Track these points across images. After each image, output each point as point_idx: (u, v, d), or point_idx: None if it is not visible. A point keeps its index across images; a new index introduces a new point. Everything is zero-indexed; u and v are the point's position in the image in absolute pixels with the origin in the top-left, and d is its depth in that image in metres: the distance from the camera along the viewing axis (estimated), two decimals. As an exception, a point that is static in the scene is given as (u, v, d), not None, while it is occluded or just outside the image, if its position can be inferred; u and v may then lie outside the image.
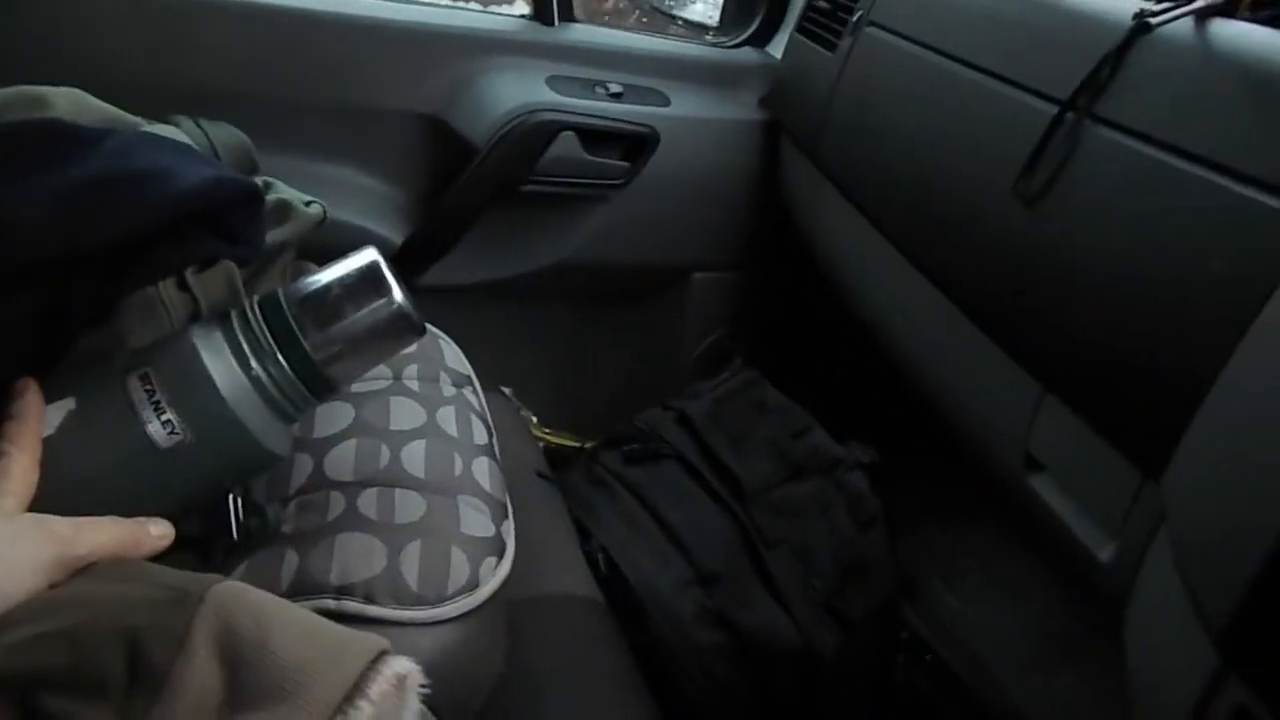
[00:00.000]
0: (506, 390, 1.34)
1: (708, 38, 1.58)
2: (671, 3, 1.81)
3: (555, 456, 1.33)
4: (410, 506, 0.73)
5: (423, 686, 0.49)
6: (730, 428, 1.07)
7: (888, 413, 1.26)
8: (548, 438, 1.46)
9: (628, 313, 1.54)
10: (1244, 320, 0.64)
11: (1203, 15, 0.79)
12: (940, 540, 1.43)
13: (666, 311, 1.53)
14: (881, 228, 1.15)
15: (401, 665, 0.48)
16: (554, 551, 0.93)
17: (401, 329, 0.65)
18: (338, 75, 1.26)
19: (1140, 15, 0.81)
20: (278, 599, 0.49)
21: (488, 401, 0.98)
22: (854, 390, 1.32)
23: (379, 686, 0.47)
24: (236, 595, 0.48)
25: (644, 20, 1.93)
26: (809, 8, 1.38)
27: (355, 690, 0.46)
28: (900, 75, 1.12)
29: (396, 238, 1.31)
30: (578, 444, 1.34)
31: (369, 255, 0.65)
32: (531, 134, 1.27)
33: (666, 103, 1.39)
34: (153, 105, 0.97)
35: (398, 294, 0.64)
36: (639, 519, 0.98)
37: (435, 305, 0.94)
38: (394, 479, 0.75)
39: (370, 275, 0.64)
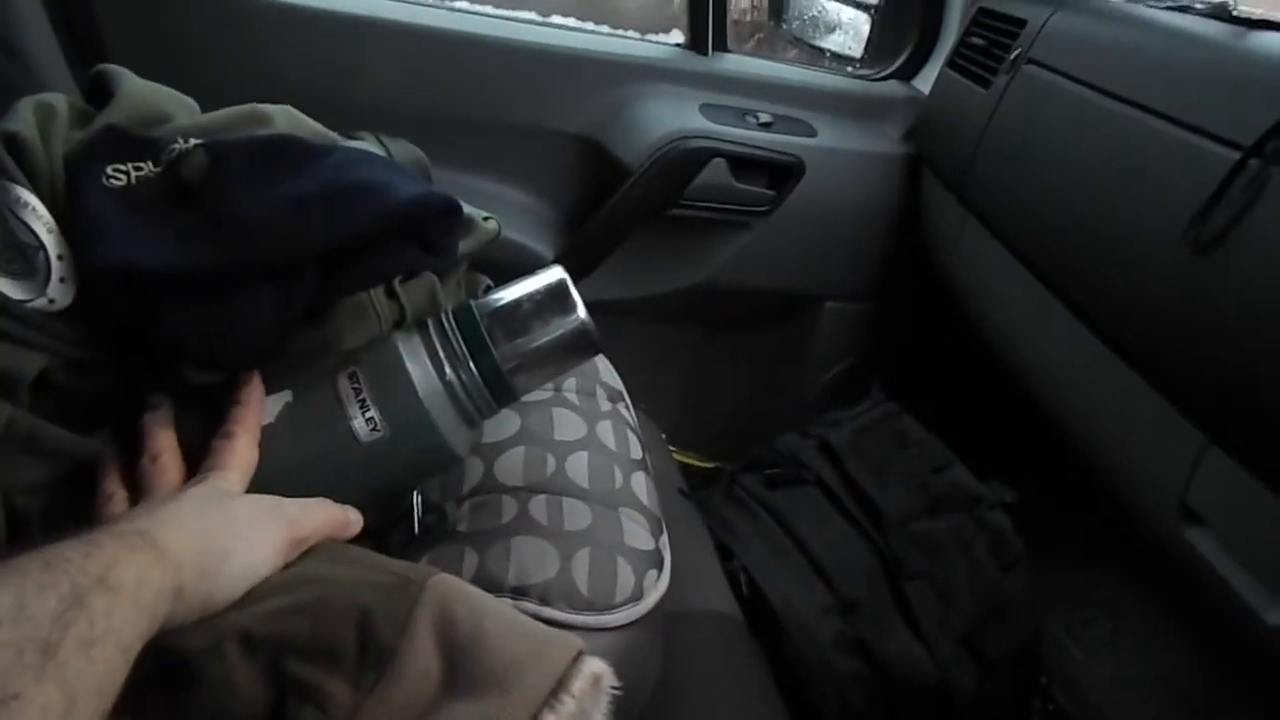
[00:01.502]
0: (642, 407, 1.37)
1: (854, 70, 1.59)
2: (814, 33, 1.83)
3: (684, 475, 1.35)
4: (577, 515, 0.75)
5: (614, 687, 0.51)
6: (871, 457, 1.08)
7: (1022, 452, 1.24)
8: (677, 457, 1.49)
9: (759, 337, 1.56)
10: None
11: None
12: (1066, 586, 1.39)
13: (797, 338, 1.54)
14: (1033, 268, 1.14)
15: (598, 665, 0.51)
16: (698, 569, 0.95)
17: (582, 345, 0.69)
18: (499, 95, 1.32)
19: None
20: (488, 595, 0.53)
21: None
22: (988, 427, 1.30)
23: (580, 684, 0.49)
24: (454, 587, 0.51)
25: (792, 53, 1.95)
26: (962, 43, 1.38)
27: (560, 685, 0.49)
28: (1061, 115, 1.11)
29: (548, 253, 1.36)
30: (705, 465, 1.36)
31: (557, 274, 0.69)
32: (683, 159, 1.30)
33: (813, 133, 1.41)
34: (328, 122, 1.04)
35: (582, 311, 0.67)
36: (780, 542, 0.99)
37: None
38: (561, 487, 0.78)
39: (558, 293, 0.68)
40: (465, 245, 0.89)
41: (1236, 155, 0.85)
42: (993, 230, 1.24)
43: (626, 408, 0.99)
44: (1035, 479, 1.23)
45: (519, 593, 0.67)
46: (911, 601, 0.94)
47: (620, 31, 1.47)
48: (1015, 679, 0.99)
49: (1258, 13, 0.94)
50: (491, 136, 1.33)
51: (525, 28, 1.34)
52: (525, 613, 0.66)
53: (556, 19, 1.42)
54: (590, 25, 1.44)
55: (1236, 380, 0.84)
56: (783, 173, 1.37)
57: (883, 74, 1.56)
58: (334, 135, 0.90)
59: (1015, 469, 1.28)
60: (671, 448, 1.51)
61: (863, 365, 1.55)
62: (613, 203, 1.32)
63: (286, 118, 0.82)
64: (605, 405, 0.95)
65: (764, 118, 1.38)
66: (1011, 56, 1.23)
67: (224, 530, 0.49)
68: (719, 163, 1.32)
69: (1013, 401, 1.23)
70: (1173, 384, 0.92)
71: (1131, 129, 0.99)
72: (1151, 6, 1.11)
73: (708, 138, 1.32)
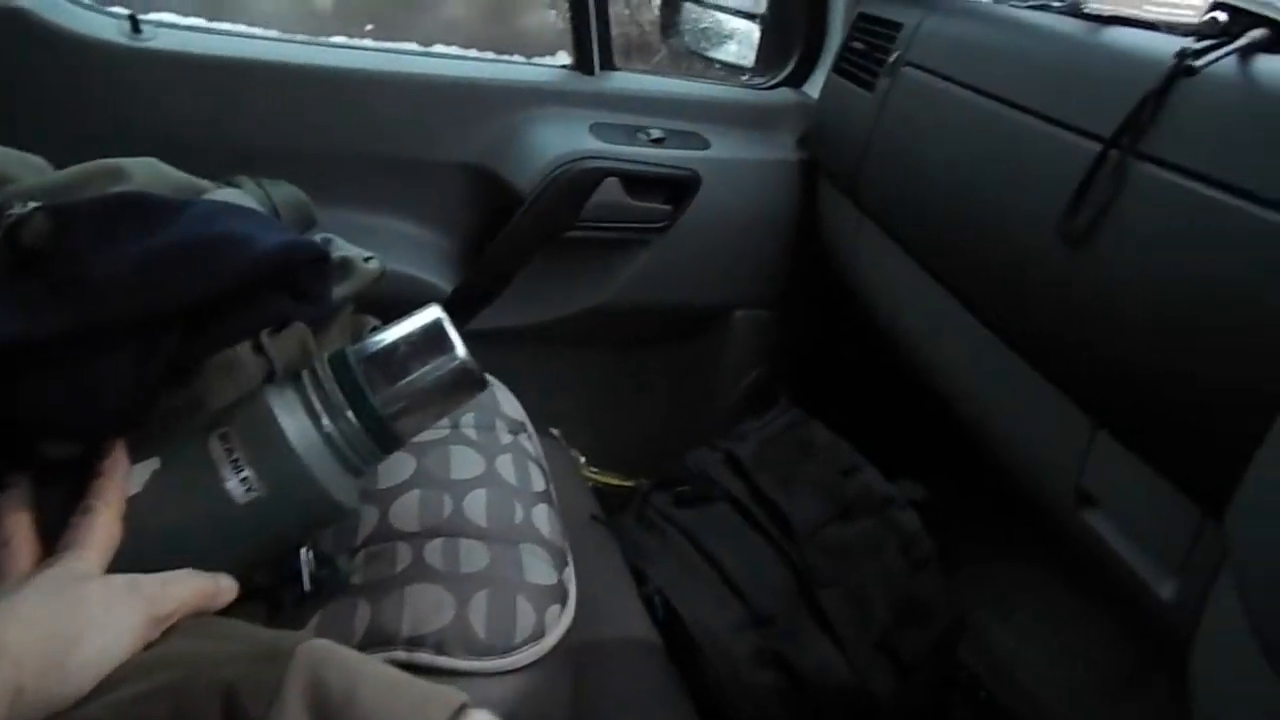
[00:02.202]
0: (556, 432, 1.36)
1: (744, 79, 1.61)
2: (705, 44, 1.84)
3: (604, 496, 1.34)
4: (475, 556, 0.74)
5: (507, 736, 0.50)
6: (778, 467, 1.08)
7: (934, 450, 1.26)
8: (596, 477, 1.47)
9: (671, 352, 1.56)
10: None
11: (1246, 52, 0.80)
12: (993, 577, 1.42)
13: (709, 350, 1.54)
14: (924, 264, 1.16)
15: (483, 718, 0.50)
16: (612, 596, 0.94)
17: (464, 383, 0.67)
18: (386, 129, 1.30)
19: (1182, 54, 0.82)
20: (362, 655, 0.51)
21: (540, 445, 1.00)
22: (898, 427, 1.32)
23: (461, 739, 0.48)
24: (325, 651, 0.50)
25: (684, 66, 1.96)
26: (845, 49, 1.40)
27: None
28: (939, 115, 1.14)
29: (447, 285, 1.34)
30: (626, 484, 1.35)
31: (432, 313, 0.67)
32: (576, 181, 1.30)
33: (706, 146, 1.42)
34: (211, 166, 1.01)
35: (460, 350, 0.66)
36: (693, 561, 0.98)
37: (484, 350, 0.96)
38: (458, 529, 0.77)
39: (433, 333, 0.67)
40: (345, 289, 0.88)
41: (1099, 147, 0.87)
42: (885, 230, 1.26)
43: (529, 438, 0.98)
44: (957, 473, 1.26)
45: (414, 643, 0.65)
46: (827, 610, 0.94)
47: (505, 56, 1.46)
48: (933, 678, 1.00)
49: (1108, 9, 0.97)
50: (380, 171, 1.31)
51: (406, 59, 1.32)
52: (420, 664, 0.65)
53: (438, 48, 1.40)
54: (473, 52, 1.43)
55: (1113, 367, 0.86)
56: (678, 187, 1.38)
57: (773, 82, 1.58)
58: (204, 185, 0.87)
59: (936, 465, 1.30)
60: (593, 469, 1.50)
61: (776, 373, 1.56)
62: (508, 229, 1.31)
63: (147, 170, 0.79)
64: (506, 438, 0.94)
65: (656, 134, 1.38)
66: (891, 59, 1.26)
67: (72, 616, 0.47)
68: (613, 182, 1.32)
69: (924, 398, 1.25)
70: (1059, 372, 0.95)
71: (1003, 125, 1.01)
72: (1015, 6, 1.14)
73: (599, 157, 1.31)
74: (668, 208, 1.38)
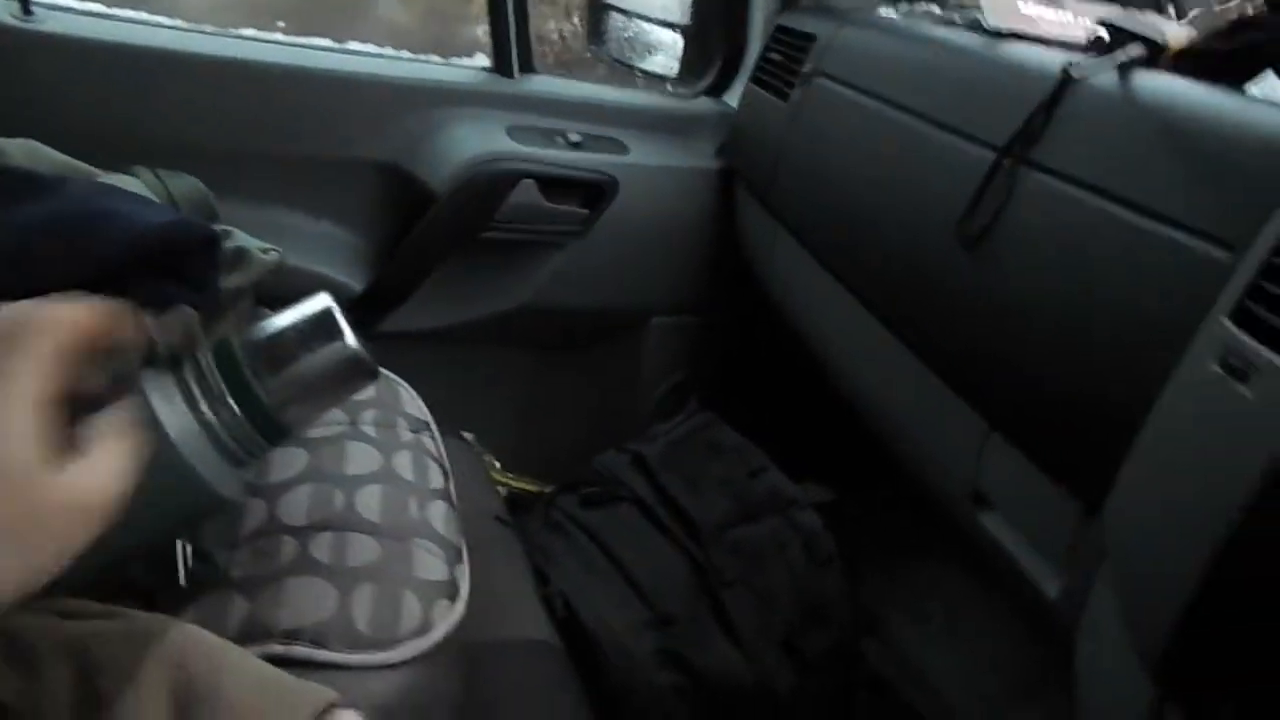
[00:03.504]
0: (468, 436, 1.34)
1: (667, 88, 1.62)
2: (632, 54, 1.86)
3: (518, 501, 1.33)
4: (363, 550, 0.73)
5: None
6: (685, 469, 1.08)
7: (850, 453, 1.28)
8: (510, 482, 1.46)
9: (588, 357, 1.56)
10: (1173, 357, 0.66)
11: (1126, 68, 0.83)
12: (906, 579, 1.44)
13: (627, 355, 1.54)
14: (833, 270, 1.18)
15: (349, 718, 0.49)
16: (511, 596, 0.93)
17: (354, 373, 0.66)
18: (299, 126, 1.27)
19: (1068, 68, 0.85)
20: (233, 647, 0.50)
21: (447, 447, 0.99)
22: (815, 431, 1.33)
23: (325, 738, 0.47)
24: (192, 638, 0.48)
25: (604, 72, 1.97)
26: (763, 59, 1.42)
27: None
28: (847, 123, 1.16)
29: (357, 285, 1.32)
30: (538, 488, 1.34)
31: (322, 301, 0.66)
32: (491, 182, 1.29)
33: (625, 151, 1.42)
34: (115, 157, 0.98)
35: (350, 338, 0.64)
36: (596, 562, 0.98)
37: (396, 351, 0.95)
38: (347, 523, 0.75)
39: (322, 320, 0.65)
40: (239, 278, 0.86)
41: (993, 156, 0.90)
42: (798, 237, 1.28)
43: (432, 437, 0.96)
44: (871, 477, 1.27)
45: (290, 636, 0.64)
46: (729, 609, 0.94)
47: (423, 57, 1.44)
48: (836, 676, 1.01)
49: (1005, 26, 1.00)
50: (291, 168, 1.29)
51: (318, 54, 1.30)
52: (296, 657, 0.64)
53: (353, 44, 1.38)
54: (389, 50, 1.41)
55: (1004, 368, 0.88)
56: (595, 191, 1.38)
57: (695, 91, 1.59)
58: (90, 170, 0.85)
59: (853, 471, 1.31)
60: (509, 474, 1.49)
61: (695, 379, 1.57)
62: (421, 229, 1.30)
63: (24, 150, 0.77)
64: (406, 436, 0.92)
65: (574, 137, 1.38)
66: (805, 70, 1.28)
67: None
68: (529, 184, 1.32)
69: (838, 403, 1.26)
70: (955, 375, 0.97)
71: (907, 134, 1.04)
72: (921, 20, 1.17)
73: (515, 159, 1.31)
74: (584, 211, 1.38)
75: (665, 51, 1.79)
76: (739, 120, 1.48)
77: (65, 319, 0.37)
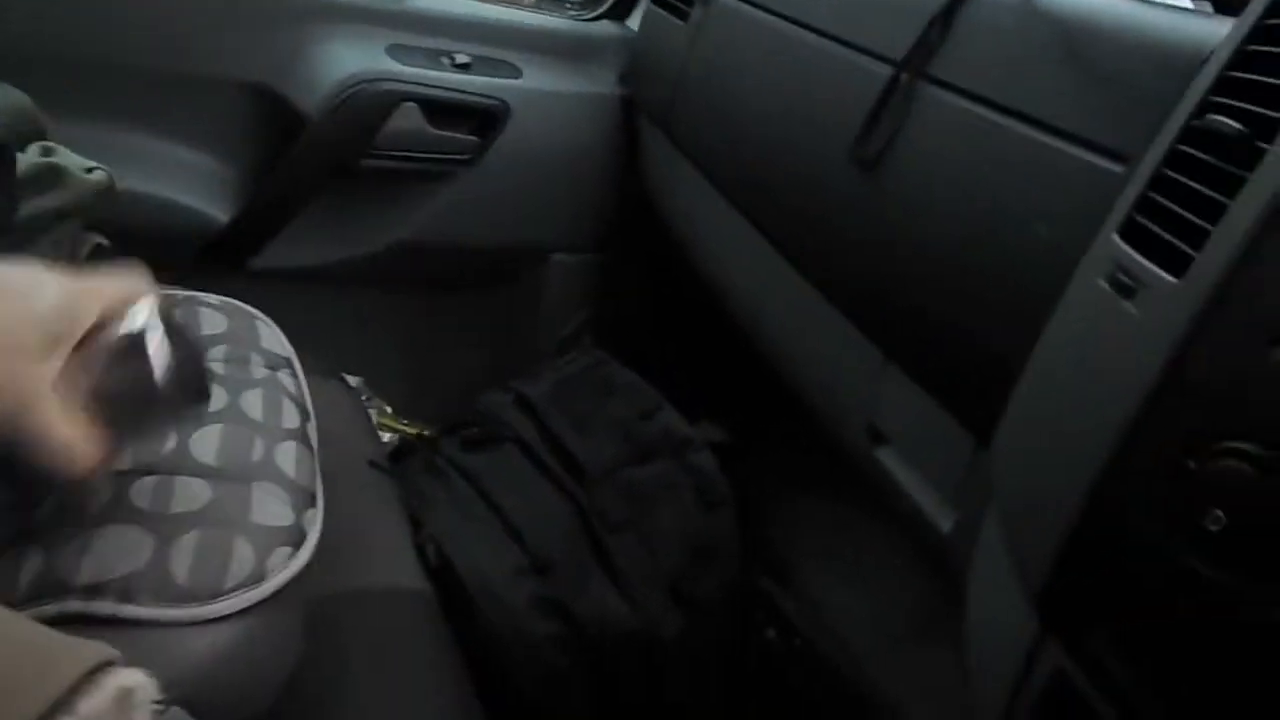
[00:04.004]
0: (353, 379, 1.27)
1: (567, 9, 1.53)
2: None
3: (407, 447, 1.26)
4: (191, 495, 0.65)
5: (157, 702, 0.43)
6: (573, 409, 1.03)
7: (754, 391, 1.24)
8: (397, 426, 1.39)
9: (485, 296, 1.48)
10: (1065, 279, 0.63)
11: (1028, -26, 0.78)
12: (812, 519, 1.41)
13: (525, 294, 1.47)
14: (733, 201, 1.12)
15: (129, 678, 0.42)
16: (380, 543, 0.87)
17: (163, 404, 0.57)
18: (149, 38, 1.16)
19: (969, -26, 0.80)
20: None
21: (322, 389, 0.92)
22: (718, 370, 1.29)
23: (92, 701, 0.41)
24: None
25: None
26: (666, -22, 1.35)
27: (59, 706, 0.40)
28: (747, 44, 1.10)
29: (223, 215, 1.22)
30: (426, 432, 1.27)
31: (138, 319, 0.55)
32: (368, 105, 1.20)
33: (518, 75, 1.34)
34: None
35: (158, 370, 0.55)
36: (474, 507, 0.92)
37: (272, 289, 0.88)
38: (177, 466, 0.68)
39: (131, 345, 0.55)
40: (53, 199, 0.76)
41: (890, 71, 0.85)
42: (699, 167, 1.22)
43: (292, 375, 0.89)
44: (775, 415, 1.23)
45: (92, 591, 0.57)
46: (614, 554, 0.90)
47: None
48: (726, 620, 0.98)
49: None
50: (149, 86, 1.17)
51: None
52: (98, 614, 0.57)
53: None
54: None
55: (899, 295, 0.84)
56: (486, 118, 1.30)
57: (595, 14, 1.50)
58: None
59: (757, 408, 1.27)
60: (402, 419, 1.42)
61: (598, 318, 1.51)
62: (292, 156, 1.20)
63: None
64: (260, 373, 0.85)
65: (462, 59, 1.29)
66: (702, -11, 1.21)
67: None
68: (411, 108, 1.23)
69: (741, 340, 1.21)
70: (852, 303, 0.93)
71: (806, 52, 0.98)
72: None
73: (395, 80, 1.22)
74: (474, 139, 1.29)
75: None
76: (639, 44, 1.40)
77: None
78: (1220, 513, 0.49)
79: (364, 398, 1.35)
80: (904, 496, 0.88)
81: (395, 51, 1.25)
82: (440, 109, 1.26)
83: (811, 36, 0.98)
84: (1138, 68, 0.65)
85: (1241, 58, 0.55)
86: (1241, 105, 0.53)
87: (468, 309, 1.49)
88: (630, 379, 1.10)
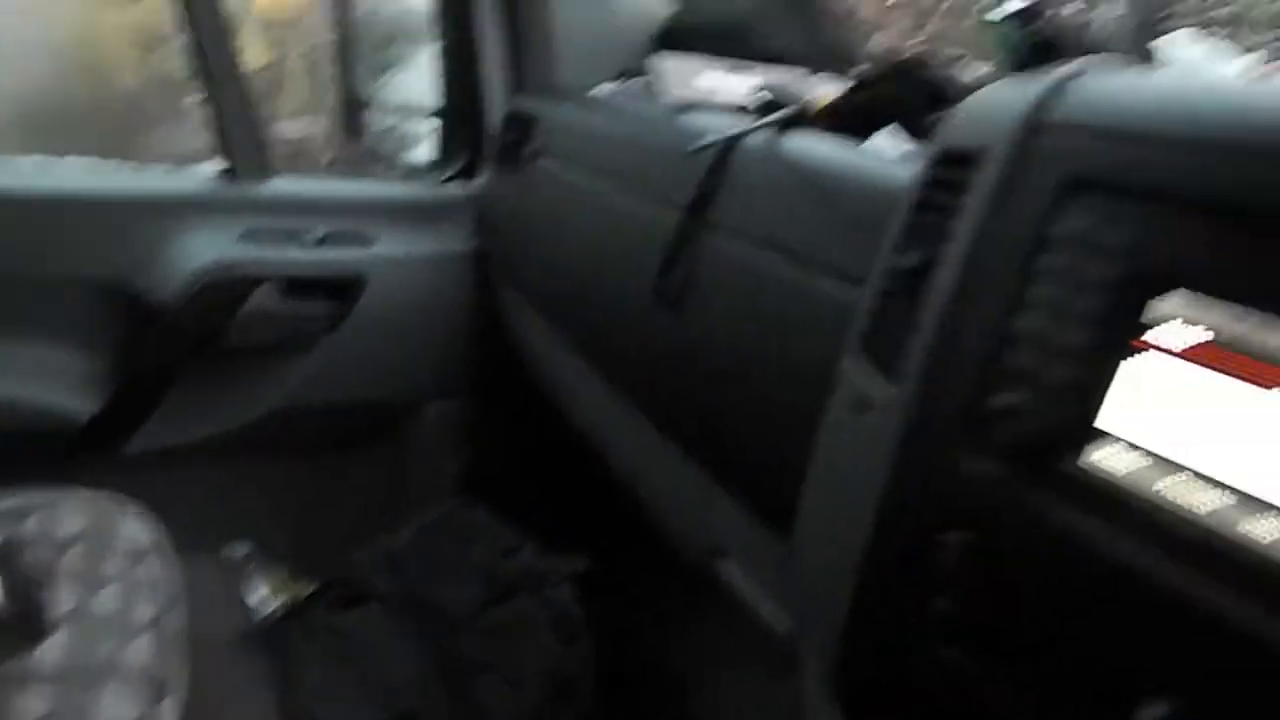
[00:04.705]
0: (241, 546, 1.28)
1: (421, 176, 1.63)
2: (387, 147, 1.86)
3: (287, 612, 1.27)
4: (30, 708, 0.68)
5: None
6: (436, 557, 1.07)
7: (616, 521, 1.29)
8: (292, 590, 1.40)
9: (364, 451, 1.52)
10: (828, 397, 0.70)
11: (783, 127, 0.89)
12: (682, 637, 1.43)
13: (403, 446, 1.52)
14: (571, 342, 1.20)
15: None
16: (247, 715, 0.89)
17: None
18: (11, 244, 1.21)
19: (733, 132, 0.91)
20: None
21: (196, 567, 0.94)
22: (584, 502, 1.34)
23: None
24: None
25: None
26: (501, 142, 1.46)
27: None
28: (567, 199, 1.20)
29: (86, 409, 1.25)
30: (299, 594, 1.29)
31: None
32: (224, 291, 1.26)
33: (371, 244, 1.42)
34: None
35: None
36: (343, 669, 0.94)
37: (148, 471, 0.91)
38: (20, 679, 0.70)
39: None
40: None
41: (679, 218, 0.94)
42: (544, 314, 1.30)
43: (157, 561, 0.91)
44: (636, 544, 1.28)
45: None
46: (480, 696, 0.93)
47: (147, 166, 1.41)
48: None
49: (686, 97, 1.07)
50: (8, 293, 1.22)
51: (26, 174, 1.24)
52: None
53: (71, 159, 1.33)
54: (113, 162, 1.37)
55: (712, 419, 0.92)
56: (342, 288, 1.37)
57: (446, 177, 1.61)
58: None
59: (620, 539, 1.31)
60: (294, 582, 1.43)
61: (474, 462, 1.55)
62: (151, 346, 1.25)
63: None
64: (117, 568, 0.87)
65: (317, 235, 1.37)
66: (530, 150, 1.32)
67: None
68: (268, 287, 1.29)
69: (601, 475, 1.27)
70: (675, 430, 1.00)
71: (614, 205, 1.08)
72: (624, 95, 1.23)
73: (249, 264, 1.28)
74: (332, 308, 1.36)
75: (419, 141, 1.81)
76: (484, 203, 1.50)
77: None
78: (947, 598, 0.56)
79: (251, 565, 1.36)
80: (746, 605, 0.94)
81: (250, 236, 1.32)
82: (298, 285, 1.32)
83: (615, 189, 1.08)
84: (864, 205, 0.75)
85: (921, 198, 0.64)
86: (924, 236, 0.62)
87: (348, 465, 1.52)
88: (490, 521, 1.14)
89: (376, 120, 1.95)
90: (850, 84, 0.89)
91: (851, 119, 0.87)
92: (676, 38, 1.37)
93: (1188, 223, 0.46)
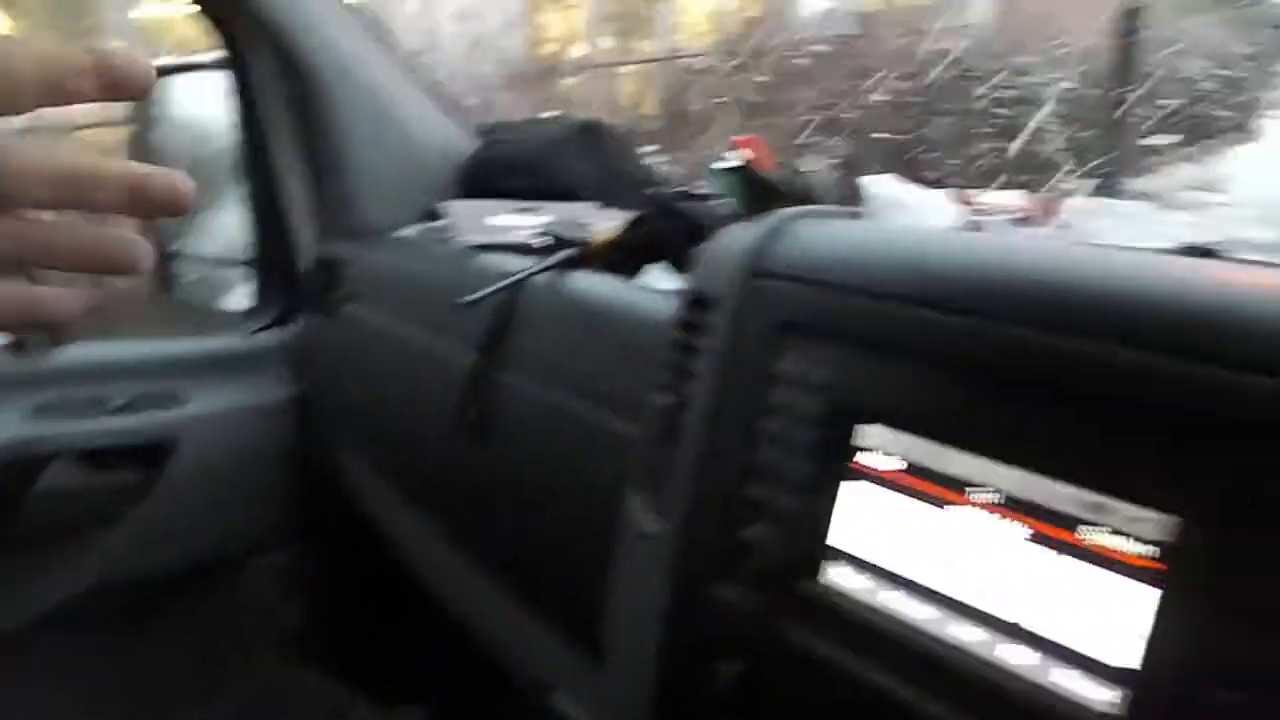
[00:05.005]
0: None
1: (233, 327, 1.60)
2: (202, 297, 1.83)
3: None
4: None
5: None
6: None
7: (455, 663, 1.26)
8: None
9: (183, 618, 1.44)
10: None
11: (564, 268, 0.94)
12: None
13: (226, 607, 1.45)
14: (395, 484, 1.20)
15: None
16: None
17: None
18: None
19: (519, 273, 0.94)
20: None
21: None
22: (421, 650, 1.31)
23: None
24: None
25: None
26: (312, 288, 1.45)
27: None
28: (377, 343, 1.21)
29: None
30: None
31: None
32: (14, 472, 1.19)
33: (183, 403, 1.37)
34: None
35: None
36: None
37: None
38: None
39: None
40: None
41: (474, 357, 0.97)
42: (364, 455, 1.29)
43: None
44: (476, 685, 1.25)
45: None
46: None
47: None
48: None
49: (477, 239, 1.10)
50: None
51: None
52: None
53: None
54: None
55: (520, 549, 0.93)
56: (151, 453, 1.31)
57: (263, 325, 1.58)
58: None
59: (460, 680, 1.29)
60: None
61: (305, 619, 1.50)
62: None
63: None
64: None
65: (119, 401, 1.32)
66: (339, 295, 1.32)
67: None
68: (63, 464, 1.23)
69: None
70: (498, 568, 1.00)
71: (416, 346, 1.10)
72: (426, 239, 1.26)
73: (38, 442, 1.22)
74: (139, 476, 1.30)
75: (234, 290, 1.79)
76: (300, 350, 1.48)
77: None
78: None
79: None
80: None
81: (43, 411, 1.26)
82: (99, 456, 1.26)
83: (421, 332, 1.10)
84: (635, 342, 0.79)
85: (674, 339, 0.69)
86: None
87: (168, 636, 1.43)
88: (320, 681, 1.10)
89: (187, 271, 1.91)
90: (627, 221, 0.95)
91: (628, 256, 0.93)
92: (478, 175, 1.43)
93: (874, 363, 0.51)
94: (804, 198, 0.67)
